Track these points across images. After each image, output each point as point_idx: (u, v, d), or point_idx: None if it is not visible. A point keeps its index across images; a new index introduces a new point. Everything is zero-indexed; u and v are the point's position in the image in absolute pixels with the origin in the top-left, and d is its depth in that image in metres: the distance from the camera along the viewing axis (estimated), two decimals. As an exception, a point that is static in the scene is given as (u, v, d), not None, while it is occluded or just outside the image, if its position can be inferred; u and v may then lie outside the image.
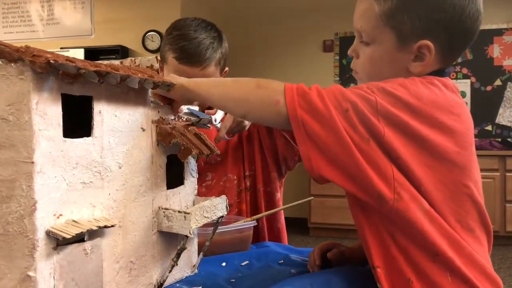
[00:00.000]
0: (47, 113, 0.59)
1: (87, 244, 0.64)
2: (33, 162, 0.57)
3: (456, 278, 0.73)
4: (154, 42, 4.25)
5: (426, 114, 0.72)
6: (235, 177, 1.36)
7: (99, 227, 0.64)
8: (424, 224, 0.72)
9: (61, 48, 4.23)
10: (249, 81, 0.80)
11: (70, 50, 4.06)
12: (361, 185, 0.71)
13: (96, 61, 0.71)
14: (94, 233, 0.65)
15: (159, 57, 1.24)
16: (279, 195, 1.39)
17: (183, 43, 1.22)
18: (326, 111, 0.70)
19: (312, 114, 0.70)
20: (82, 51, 4.12)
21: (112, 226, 0.67)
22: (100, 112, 0.68)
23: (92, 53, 4.15)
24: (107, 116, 0.70)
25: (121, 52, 4.21)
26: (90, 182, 0.67)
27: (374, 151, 0.69)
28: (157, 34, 4.25)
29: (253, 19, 5.28)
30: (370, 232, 0.76)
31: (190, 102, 0.89)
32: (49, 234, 0.58)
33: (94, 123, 0.67)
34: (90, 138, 0.67)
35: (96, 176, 0.68)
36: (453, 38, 0.79)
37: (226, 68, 1.35)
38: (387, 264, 0.75)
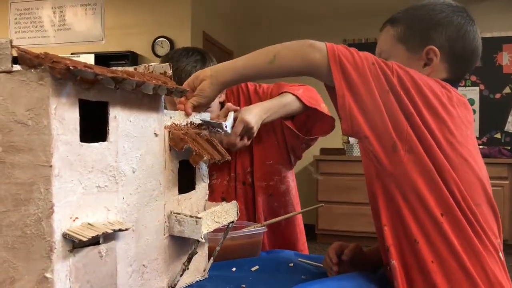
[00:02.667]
0: (65, 118, 0.60)
1: (102, 247, 0.65)
2: (51, 166, 0.58)
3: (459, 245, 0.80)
4: (163, 48, 4.27)
5: (425, 95, 0.81)
6: (239, 174, 1.38)
7: (114, 230, 0.65)
8: (423, 190, 0.80)
9: (72, 54, 4.27)
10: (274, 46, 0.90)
11: (81, 55, 4.09)
12: (380, 133, 0.80)
13: (111, 68, 0.72)
14: (109, 236, 0.66)
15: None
16: (291, 184, 1.42)
17: None
18: (360, 61, 0.81)
19: (349, 60, 0.81)
20: (92, 56, 4.16)
21: (126, 229, 0.68)
22: (115, 118, 0.70)
23: (102, 59, 4.18)
24: (122, 121, 0.71)
25: (131, 58, 4.24)
26: (105, 186, 0.68)
27: (392, 103, 0.79)
28: (166, 41, 4.28)
29: (262, 24, 5.31)
30: (381, 193, 0.84)
31: (220, 87, 0.93)
32: (65, 236, 0.59)
33: (110, 128, 0.69)
34: (105, 142, 0.68)
35: (111, 180, 0.69)
36: (455, 49, 0.93)
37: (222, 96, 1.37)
38: (395, 224, 0.82)
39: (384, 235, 0.83)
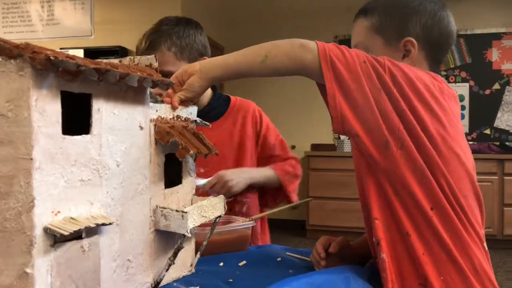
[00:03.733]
0: (46, 110, 0.59)
1: (85, 242, 0.64)
2: (31, 159, 0.57)
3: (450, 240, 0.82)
4: (153, 43, 4.25)
5: (418, 90, 0.82)
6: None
7: (97, 224, 0.64)
8: (413, 185, 0.81)
9: (60, 49, 4.22)
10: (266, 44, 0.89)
11: (70, 50, 4.04)
12: (371, 131, 0.80)
13: (96, 59, 0.71)
14: (92, 231, 0.65)
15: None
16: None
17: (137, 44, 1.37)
18: (351, 59, 0.80)
19: (340, 59, 0.80)
20: (81, 51, 4.12)
21: (110, 223, 0.67)
22: (99, 110, 0.68)
23: (91, 54, 4.14)
24: (106, 114, 0.70)
25: (121, 53, 4.21)
26: (89, 179, 0.67)
27: (384, 101, 0.80)
28: (156, 35, 4.25)
29: (252, 20, 5.29)
30: (373, 187, 0.84)
31: (209, 83, 0.92)
32: (47, 231, 0.58)
33: (93, 120, 0.67)
34: (88, 135, 0.67)
35: (94, 173, 0.68)
36: (431, 36, 0.94)
37: (204, 57, 1.42)
38: (387, 217, 0.83)
39: (375, 229, 0.83)
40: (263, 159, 1.46)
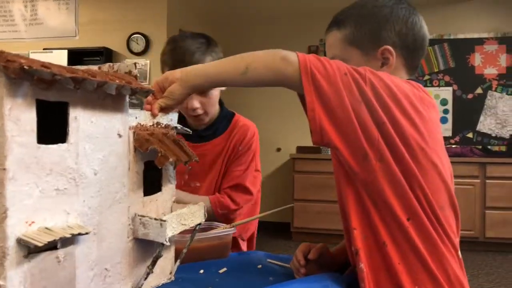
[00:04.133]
0: (20, 119, 0.58)
1: (60, 252, 0.63)
2: (5, 169, 0.56)
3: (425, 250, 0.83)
4: (139, 44, 4.22)
5: (399, 101, 0.82)
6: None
7: (73, 234, 0.63)
8: (390, 197, 0.81)
9: (44, 49, 4.18)
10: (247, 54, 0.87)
11: (54, 51, 4.01)
12: (351, 144, 0.80)
13: (74, 66, 0.70)
14: (67, 241, 0.64)
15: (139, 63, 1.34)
16: None
17: (173, 53, 1.37)
18: (332, 72, 0.80)
19: (320, 71, 0.80)
20: (65, 52, 4.08)
21: (86, 233, 0.67)
22: (76, 118, 0.68)
23: (76, 55, 4.10)
24: (83, 122, 0.69)
25: (105, 54, 4.18)
26: (65, 188, 0.66)
27: (364, 114, 0.80)
28: (142, 37, 4.23)
29: (237, 22, 5.29)
30: (352, 198, 0.84)
31: (190, 91, 0.91)
32: (20, 242, 0.57)
33: (70, 129, 0.67)
34: (65, 144, 0.66)
35: (71, 182, 0.67)
36: (406, 42, 0.95)
37: None
38: (365, 227, 0.84)
39: (353, 238, 0.84)
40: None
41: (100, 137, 0.73)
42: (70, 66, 0.67)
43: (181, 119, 1.32)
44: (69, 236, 0.62)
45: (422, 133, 0.83)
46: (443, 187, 0.86)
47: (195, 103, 1.36)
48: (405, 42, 0.95)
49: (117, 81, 0.72)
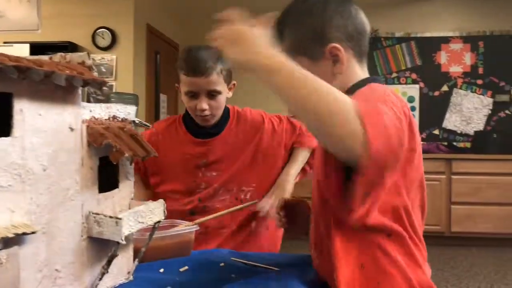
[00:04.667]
0: (-44, 110, 0.54)
1: (2, 253, 0.59)
2: None
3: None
4: (104, 39, 4.12)
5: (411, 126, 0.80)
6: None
7: (17, 234, 0.59)
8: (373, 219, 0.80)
9: (4, 43, 4.04)
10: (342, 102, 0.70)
11: (15, 45, 3.88)
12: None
13: (20, 56, 0.66)
14: (11, 241, 0.60)
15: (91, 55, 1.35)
16: None
17: (188, 60, 1.47)
18: (395, 145, 0.71)
19: (387, 153, 0.69)
20: (27, 46, 3.95)
21: (33, 232, 0.63)
22: (21, 111, 0.64)
23: (38, 49, 3.97)
24: (30, 115, 0.65)
25: (70, 48, 4.07)
26: (9, 185, 0.62)
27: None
28: (108, 31, 4.13)
29: (209, 16, 5.23)
30: (338, 228, 0.82)
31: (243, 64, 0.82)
32: (-44, 242, 0.53)
33: (14, 122, 0.63)
34: (9, 138, 0.62)
35: (16, 179, 0.63)
36: (349, 34, 0.93)
37: (234, 82, 1.56)
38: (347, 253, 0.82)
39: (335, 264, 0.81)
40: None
41: (49, 130, 0.68)
42: (18, 56, 0.63)
43: (189, 117, 1.53)
44: (12, 236, 0.58)
45: (415, 148, 0.83)
46: (420, 190, 0.87)
47: (204, 105, 1.46)
48: (347, 33, 0.92)
49: (67, 71, 0.68)
